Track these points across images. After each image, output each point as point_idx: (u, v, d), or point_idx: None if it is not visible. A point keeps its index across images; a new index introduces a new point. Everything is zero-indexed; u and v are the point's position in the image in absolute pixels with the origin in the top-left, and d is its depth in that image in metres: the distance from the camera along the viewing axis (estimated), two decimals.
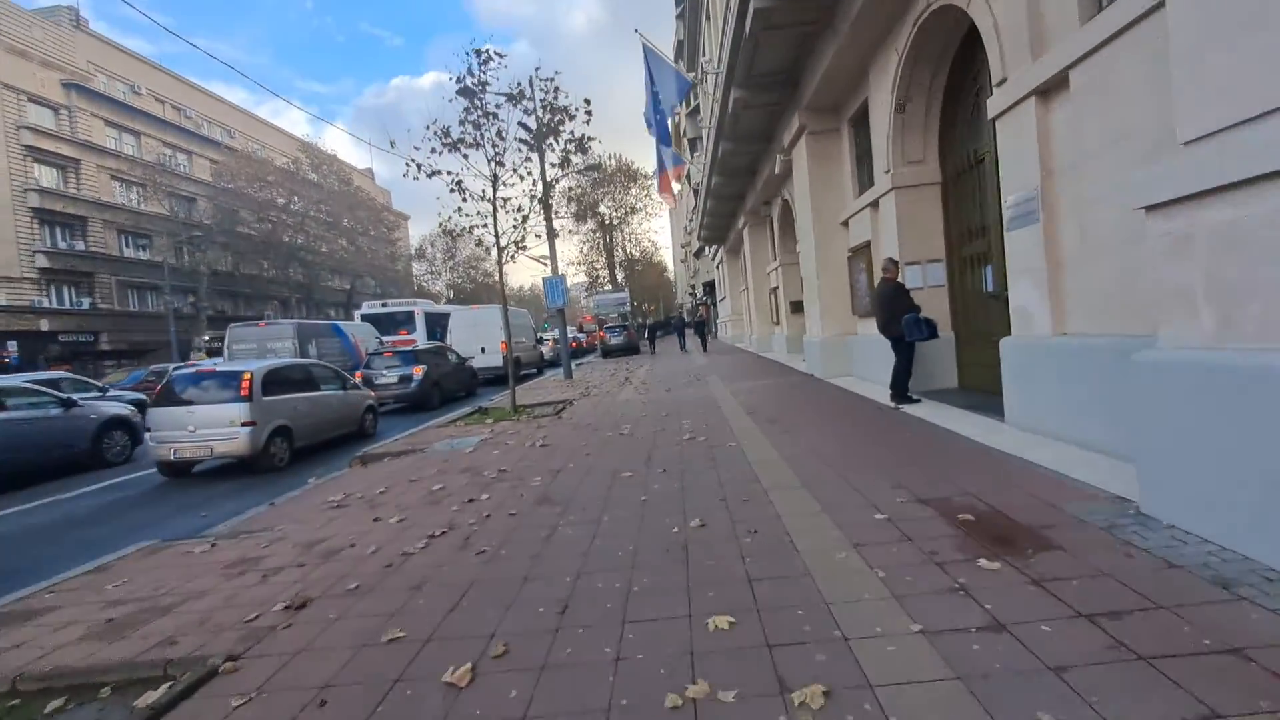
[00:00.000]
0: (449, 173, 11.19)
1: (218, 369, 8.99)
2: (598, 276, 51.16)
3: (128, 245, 39.05)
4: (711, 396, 10.70)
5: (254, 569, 4.21)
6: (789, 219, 16.11)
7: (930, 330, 7.18)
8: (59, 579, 4.54)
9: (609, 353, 30.10)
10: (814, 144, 10.82)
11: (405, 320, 22.83)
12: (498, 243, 11.47)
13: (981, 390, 7.73)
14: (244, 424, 8.48)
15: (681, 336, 32.03)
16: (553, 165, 12.25)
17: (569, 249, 56.27)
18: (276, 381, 9.24)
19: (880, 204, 8.86)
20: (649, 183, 48.40)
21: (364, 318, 22.59)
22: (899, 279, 7.58)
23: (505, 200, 11.51)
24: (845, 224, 10.71)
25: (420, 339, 22.24)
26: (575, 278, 54.21)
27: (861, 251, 9.84)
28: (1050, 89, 4.97)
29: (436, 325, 22.50)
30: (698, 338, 31.21)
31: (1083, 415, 4.70)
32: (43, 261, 33.84)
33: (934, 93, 8.05)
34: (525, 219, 11.30)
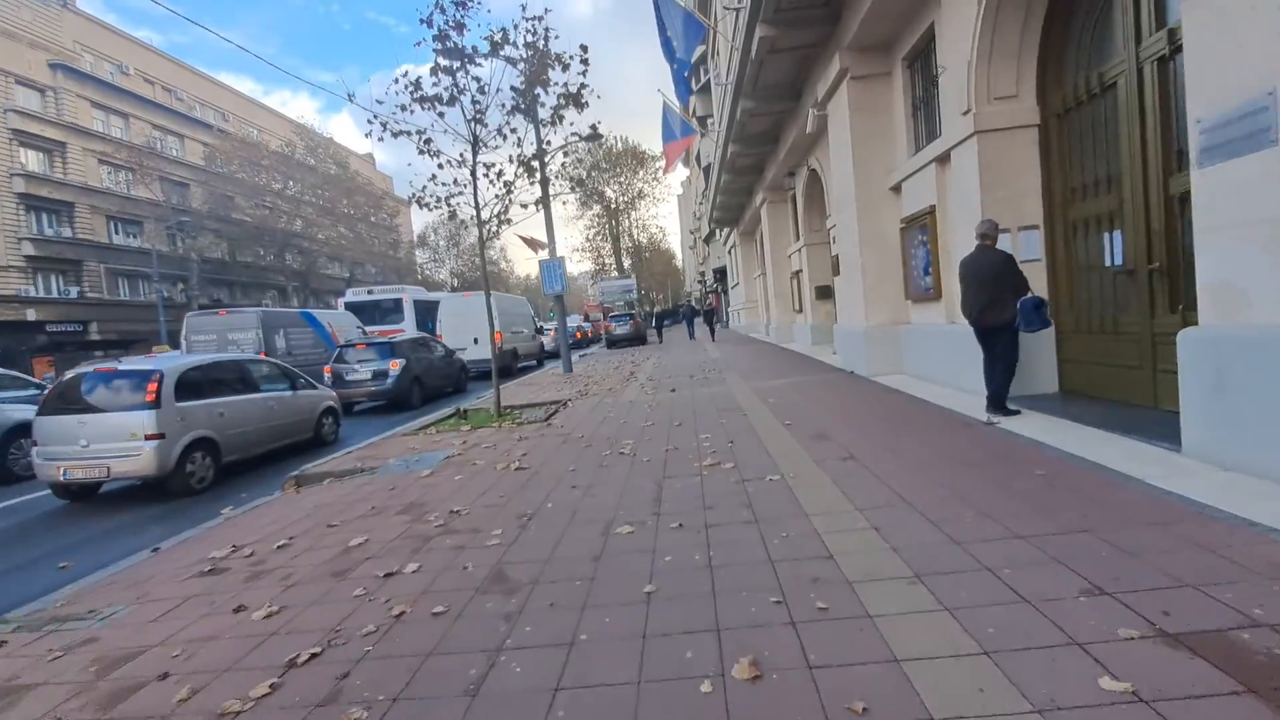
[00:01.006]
0: (418, 131, 9.37)
1: (120, 368, 7.24)
2: (604, 264, 49.25)
3: (117, 232, 37.54)
4: (732, 398, 8.87)
5: None
6: (817, 191, 14.18)
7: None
8: None
9: (614, 343, 28.25)
10: (858, 91, 8.88)
11: (393, 309, 21.07)
12: (478, 215, 9.67)
13: (1095, 397, 5.86)
14: (149, 437, 6.73)
15: (690, 325, 31.18)
16: (544, 124, 10.38)
17: (573, 234, 54.55)
18: (197, 383, 7.49)
19: (954, 156, 6.95)
20: (656, 165, 46.41)
21: (348, 306, 20.82)
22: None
23: (489, 167, 9.70)
24: (897, 189, 8.79)
25: (409, 329, 20.51)
26: (580, 265, 52.40)
27: (921, 220, 7.94)
28: None
29: (428, 314, 20.73)
30: (706, 326, 29.67)
31: None
32: (29, 249, 32.33)
33: (1033, 6, 6.12)
34: (509, 186, 9.45)
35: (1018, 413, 5.64)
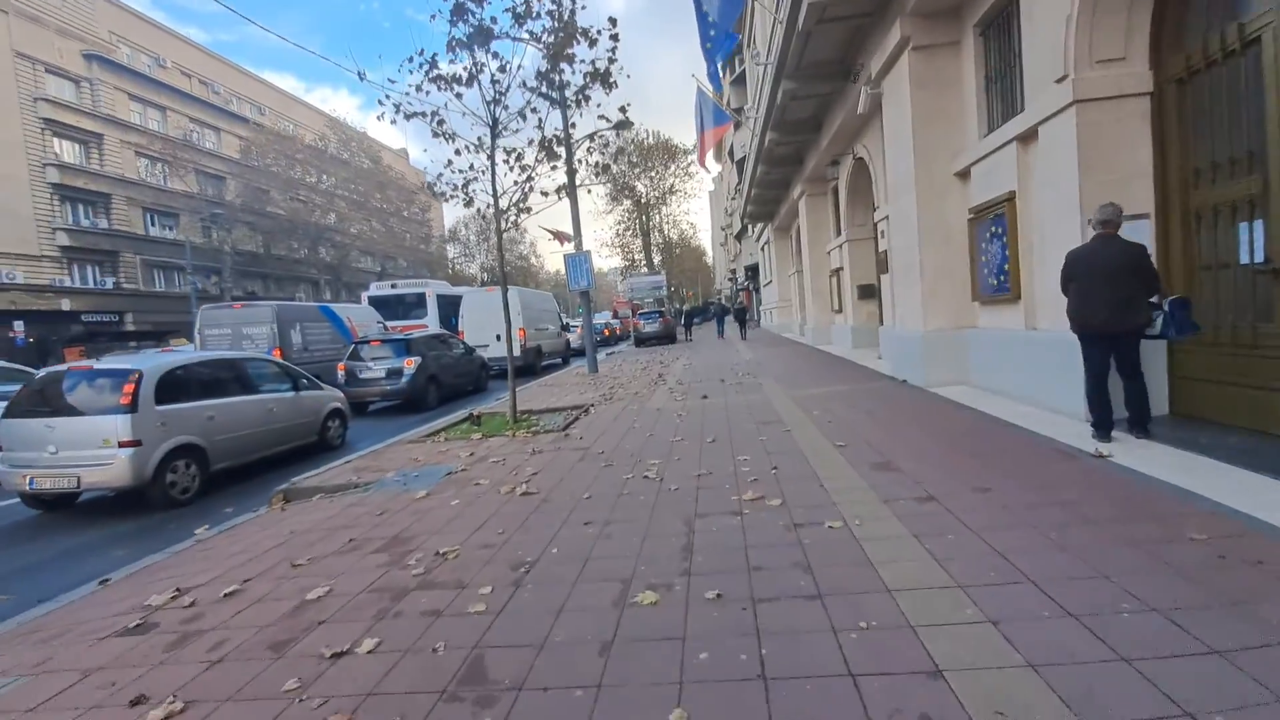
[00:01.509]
0: (433, 113, 8.62)
1: (95, 367, 6.61)
2: (634, 260, 48.36)
3: (153, 224, 37.91)
4: (772, 408, 7.94)
5: None
6: (863, 182, 13.10)
7: None
8: None
9: (642, 341, 27.36)
10: (921, 63, 7.84)
11: (416, 303, 20.51)
12: (495, 204, 8.90)
13: (1221, 423, 4.81)
14: (123, 444, 6.08)
15: (720, 323, 30.57)
16: (570, 104, 9.53)
17: (603, 229, 53.97)
18: (183, 384, 6.83)
19: (1042, 133, 5.90)
20: (688, 159, 45.37)
21: (371, 300, 20.34)
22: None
23: (510, 152, 8.94)
24: (964, 175, 7.74)
25: (433, 324, 19.95)
26: (610, 260, 51.70)
27: (995, 209, 6.88)
28: None
29: (452, 309, 20.14)
30: (737, 325, 28.77)
31: None
32: (64, 239, 32.66)
33: None
34: (528, 171, 8.66)
35: (1149, 436, 4.65)
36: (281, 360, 9.01)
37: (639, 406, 9.23)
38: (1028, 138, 6.23)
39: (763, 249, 33.26)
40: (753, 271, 42.32)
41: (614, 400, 10.19)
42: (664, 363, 16.99)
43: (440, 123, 8.43)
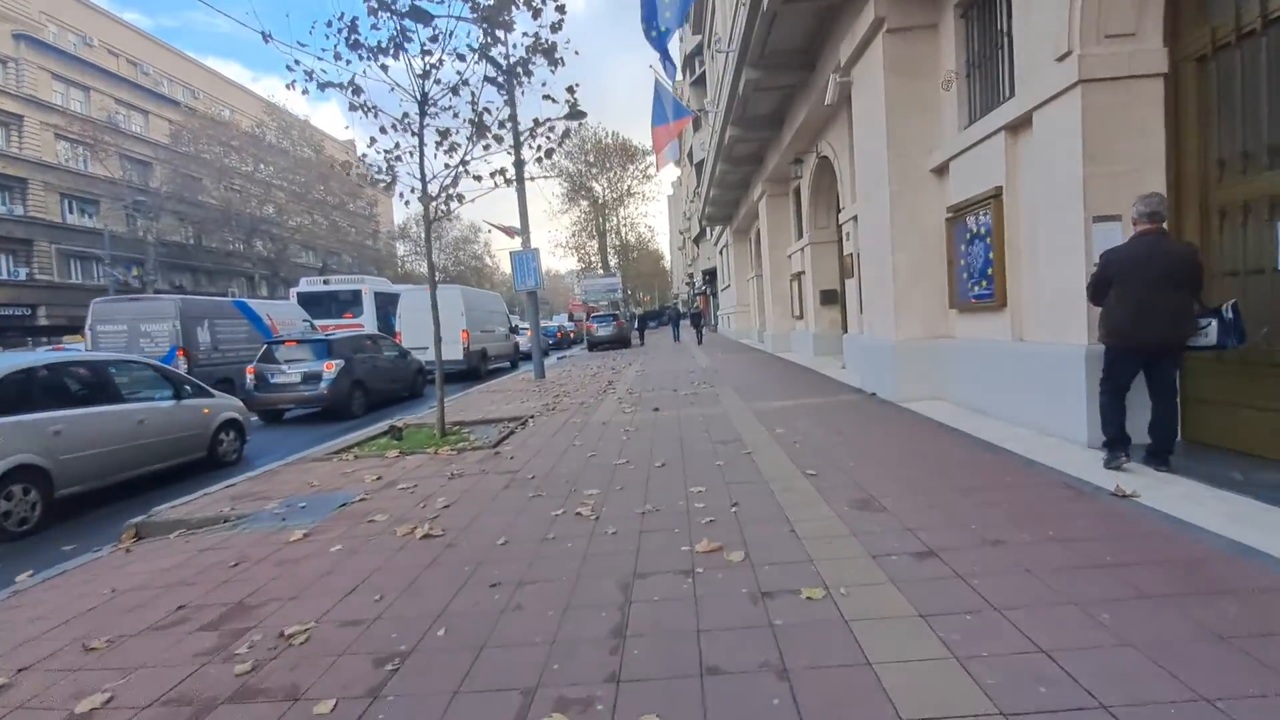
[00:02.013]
0: (349, 82, 7.55)
1: None
2: (590, 261, 47.32)
3: (71, 211, 35.12)
4: (730, 424, 7.10)
5: None
6: (827, 180, 12.47)
7: None
8: None
9: (596, 345, 26.40)
10: (896, 48, 7.15)
11: (351, 301, 19.06)
12: (424, 188, 7.89)
13: (1248, 454, 4.16)
14: None
15: (676, 327, 30.32)
16: (516, 78, 8.53)
17: (558, 229, 52.93)
18: (23, 391, 5.59)
19: (1037, 120, 5.21)
20: (646, 162, 44.67)
21: (300, 297, 18.80)
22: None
23: (441, 133, 7.95)
24: (941, 170, 7.06)
25: (369, 324, 18.58)
26: (564, 261, 50.59)
27: (978, 207, 6.20)
28: None
29: (391, 308, 18.77)
30: (693, 330, 28.34)
31: None
32: None
33: None
34: (461, 152, 7.67)
35: (1170, 469, 3.97)
36: (156, 363, 7.72)
37: (583, 419, 8.29)
38: (1019, 126, 5.55)
39: (721, 252, 32.71)
40: (710, 276, 41.84)
41: (557, 411, 9.22)
42: (615, 369, 16.07)
43: (357, 92, 7.36)
